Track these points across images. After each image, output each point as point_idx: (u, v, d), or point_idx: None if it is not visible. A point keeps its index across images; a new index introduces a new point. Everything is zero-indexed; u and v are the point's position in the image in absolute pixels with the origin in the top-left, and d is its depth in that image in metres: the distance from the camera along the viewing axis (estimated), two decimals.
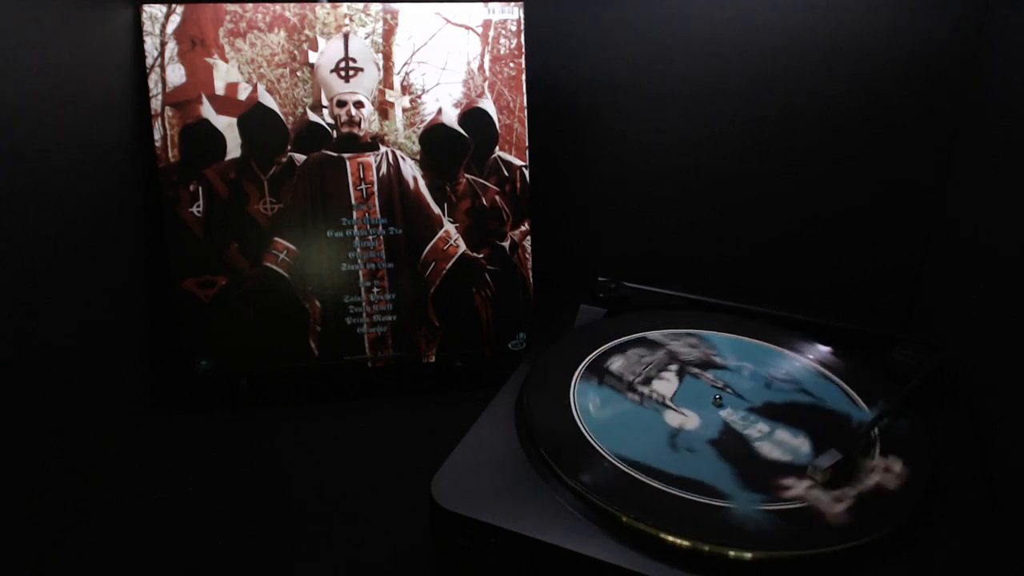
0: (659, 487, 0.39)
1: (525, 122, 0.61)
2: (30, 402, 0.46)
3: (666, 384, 0.49)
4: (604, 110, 0.69)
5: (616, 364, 0.51)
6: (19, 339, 0.45)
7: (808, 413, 0.46)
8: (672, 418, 0.46)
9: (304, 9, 0.57)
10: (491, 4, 0.59)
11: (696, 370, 0.51)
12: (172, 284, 0.57)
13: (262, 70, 0.57)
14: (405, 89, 0.59)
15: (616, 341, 0.54)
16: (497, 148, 0.61)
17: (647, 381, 0.49)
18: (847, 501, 0.39)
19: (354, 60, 0.58)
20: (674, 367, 0.51)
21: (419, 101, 0.59)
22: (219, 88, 0.56)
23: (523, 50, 0.60)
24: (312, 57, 0.58)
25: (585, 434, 0.44)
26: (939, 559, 0.36)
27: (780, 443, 0.43)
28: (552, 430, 0.44)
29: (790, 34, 0.62)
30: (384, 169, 0.59)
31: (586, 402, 0.47)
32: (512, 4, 0.60)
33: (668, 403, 0.47)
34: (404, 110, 0.59)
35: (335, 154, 0.59)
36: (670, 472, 0.40)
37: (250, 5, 0.56)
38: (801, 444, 0.43)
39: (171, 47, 0.55)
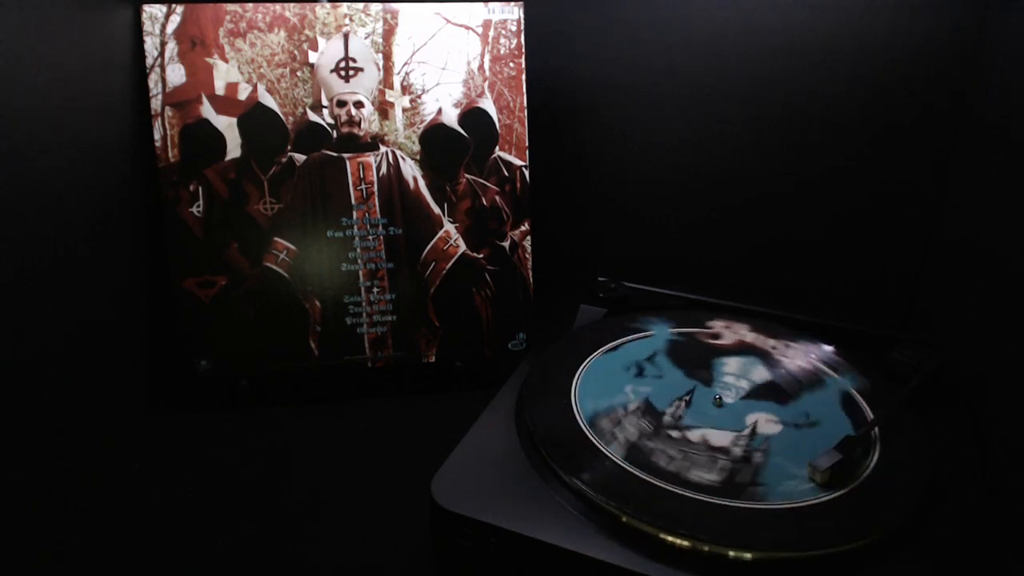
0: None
1: (525, 122, 0.61)
2: (30, 402, 0.46)
3: (679, 410, 0.47)
4: (604, 110, 0.69)
5: (628, 432, 0.45)
6: (19, 339, 0.45)
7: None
8: (708, 438, 0.44)
9: (304, 9, 0.57)
10: (491, 4, 0.59)
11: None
12: (172, 284, 0.57)
13: (262, 70, 0.57)
14: (405, 89, 0.59)
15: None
16: (497, 148, 0.61)
17: (675, 424, 0.46)
18: (847, 501, 0.39)
19: (354, 60, 0.58)
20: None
21: (419, 101, 0.59)
22: (219, 88, 0.56)
23: (523, 50, 0.60)
24: (312, 57, 0.58)
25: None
26: (939, 559, 0.36)
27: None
28: (552, 430, 0.44)
29: (790, 34, 0.62)
30: (384, 169, 0.59)
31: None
32: (512, 4, 0.60)
33: (707, 443, 0.44)
34: (404, 110, 0.59)
35: (335, 154, 0.59)
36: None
37: (250, 5, 0.56)
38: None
39: (171, 47, 0.55)
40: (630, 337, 0.55)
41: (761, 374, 0.50)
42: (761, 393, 0.48)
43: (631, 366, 0.51)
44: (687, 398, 0.48)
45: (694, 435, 0.44)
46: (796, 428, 0.45)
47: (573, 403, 0.47)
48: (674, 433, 0.44)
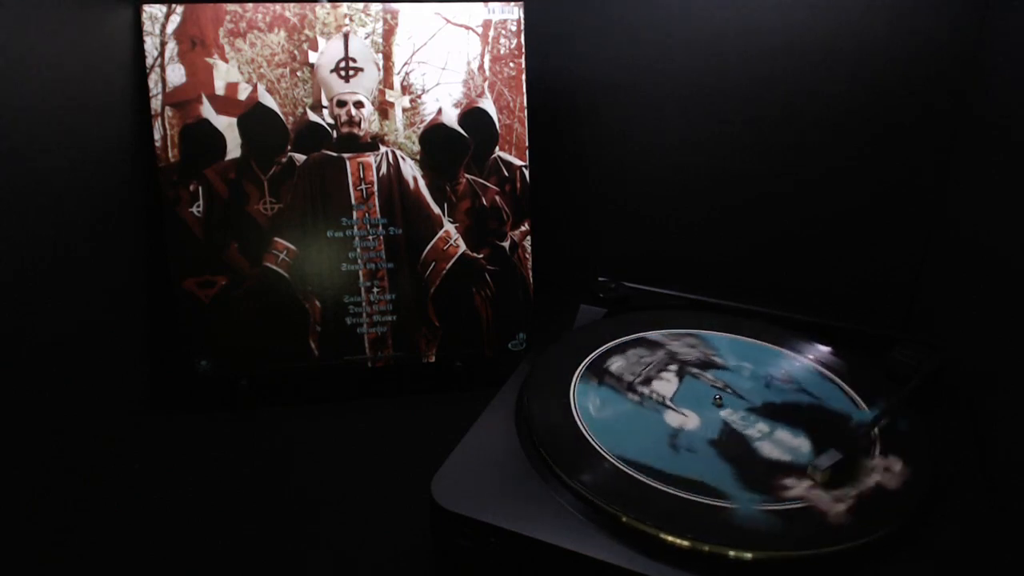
0: (659, 487, 0.39)
1: (525, 122, 0.61)
2: (30, 402, 0.46)
3: (666, 384, 0.49)
4: (604, 110, 0.69)
5: (616, 365, 0.51)
6: (19, 339, 0.45)
7: (808, 413, 0.46)
8: (672, 418, 0.46)
9: (304, 9, 0.57)
10: (491, 4, 0.59)
11: (696, 370, 0.51)
12: (172, 284, 0.57)
13: (262, 70, 0.57)
14: (405, 89, 0.59)
15: (616, 341, 0.54)
16: (497, 148, 0.61)
17: (647, 381, 0.49)
18: (847, 501, 0.39)
19: (354, 60, 0.58)
20: (674, 367, 0.51)
21: (419, 101, 0.59)
22: (219, 88, 0.56)
23: (523, 50, 0.60)
24: (312, 57, 0.58)
25: (585, 434, 0.44)
26: (939, 559, 0.36)
27: (780, 443, 0.43)
28: (552, 430, 0.44)
29: (790, 34, 0.62)
30: (384, 169, 0.59)
31: (586, 402, 0.47)
32: (512, 4, 0.60)
33: (668, 403, 0.47)
34: (404, 110, 0.59)
35: (335, 154, 0.59)
36: (670, 472, 0.40)
37: (250, 5, 0.56)
38: (801, 444, 0.43)
39: (171, 47, 0.55)
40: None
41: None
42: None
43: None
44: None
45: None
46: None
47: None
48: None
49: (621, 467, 0.41)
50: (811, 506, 0.38)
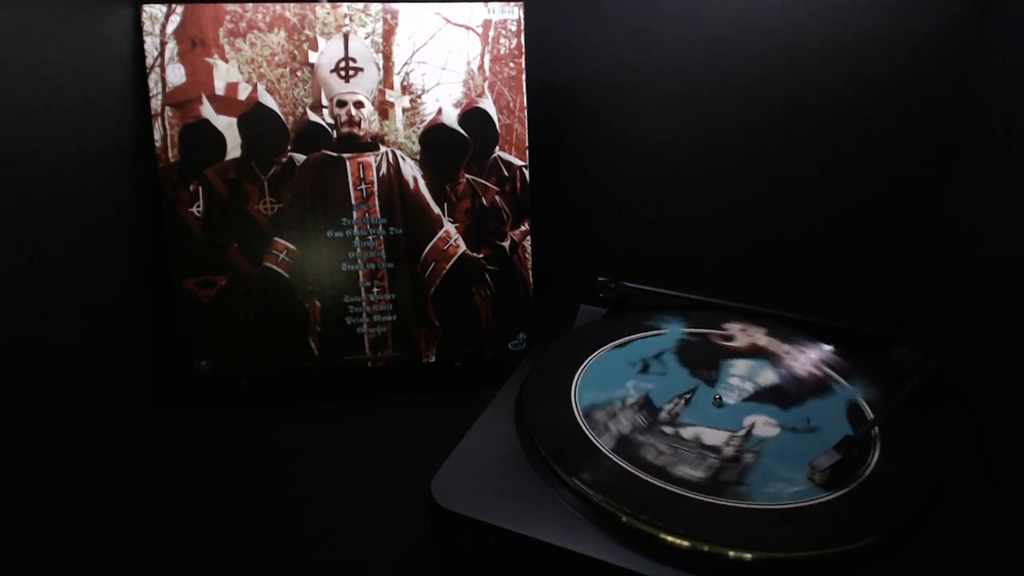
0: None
1: (525, 122, 0.61)
2: (30, 402, 0.46)
3: (676, 407, 0.47)
4: (604, 110, 0.69)
5: (622, 425, 0.45)
6: (19, 339, 0.45)
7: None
8: (709, 437, 0.44)
9: (304, 9, 0.57)
10: (491, 4, 0.59)
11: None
12: (172, 284, 0.57)
13: (262, 70, 0.57)
14: (405, 89, 0.59)
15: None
16: (497, 148, 0.61)
17: (671, 421, 0.46)
18: (847, 501, 0.39)
19: (354, 60, 0.58)
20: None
21: (419, 101, 0.59)
22: (219, 88, 0.56)
23: (523, 50, 0.60)
24: (312, 57, 0.58)
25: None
26: (939, 559, 0.36)
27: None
28: (552, 430, 0.44)
29: (790, 34, 0.62)
30: (384, 169, 0.59)
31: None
32: (512, 4, 0.60)
33: (700, 445, 0.44)
34: (404, 110, 0.59)
35: (335, 154, 0.59)
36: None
37: (250, 5, 0.56)
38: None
39: (171, 47, 0.55)
40: (636, 336, 0.55)
41: (767, 377, 0.50)
42: (764, 396, 0.48)
43: (637, 362, 0.51)
44: (687, 396, 0.48)
45: (687, 432, 0.44)
46: (794, 432, 0.45)
47: (573, 403, 0.47)
48: (667, 429, 0.44)
49: (621, 467, 0.41)
50: (810, 506, 0.38)
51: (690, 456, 0.42)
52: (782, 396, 0.48)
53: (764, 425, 0.45)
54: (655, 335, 0.55)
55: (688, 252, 0.71)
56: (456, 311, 0.61)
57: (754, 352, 0.53)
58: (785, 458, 0.42)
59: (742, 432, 0.44)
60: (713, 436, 0.44)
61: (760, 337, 0.55)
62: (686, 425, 0.45)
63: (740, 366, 0.51)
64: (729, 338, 0.55)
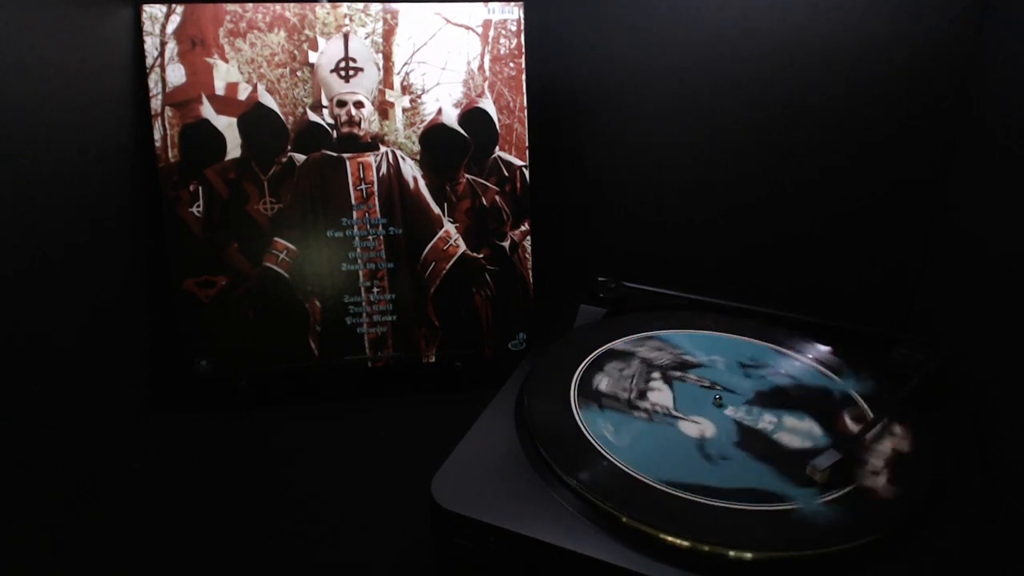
0: (659, 487, 0.39)
1: (525, 122, 0.61)
2: (30, 402, 0.46)
3: (660, 394, 0.48)
4: (604, 110, 0.69)
5: (604, 383, 0.49)
6: (19, 339, 0.45)
7: (795, 392, 0.47)
8: (688, 428, 0.45)
9: (304, 9, 0.57)
10: (491, 4, 0.59)
11: (678, 373, 0.50)
12: (172, 284, 0.57)
13: (262, 70, 0.57)
14: (405, 89, 0.59)
15: (616, 341, 0.54)
16: (497, 148, 0.61)
17: (642, 395, 0.48)
18: (847, 500, 0.39)
19: (354, 60, 0.58)
20: (657, 375, 0.50)
21: (419, 101, 0.59)
22: (219, 88, 0.56)
23: (523, 50, 0.60)
24: (312, 57, 0.58)
25: (585, 434, 0.44)
26: (939, 559, 0.36)
27: (795, 431, 0.44)
28: (552, 430, 0.44)
29: (790, 34, 0.62)
30: (384, 169, 0.59)
31: (587, 404, 0.47)
32: (512, 4, 0.60)
33: (675, 414, 0.46)
34: (404, 110, 0.59)
35: (335, 154, 0.59)
36: (723, 487, 0.39)
37: (250, 5, 0.56)
38: (811, 427, 0.44)
39: (171, 47, 0.55)
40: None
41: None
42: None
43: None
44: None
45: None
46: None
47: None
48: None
49: (621, 467, 0.41)
50: (810, 506, 0.38)
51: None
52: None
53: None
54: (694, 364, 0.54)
55: (688, 252, 0.71)
56: (456, 311, 0.61)
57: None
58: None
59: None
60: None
61: (708, 332, 0.55)
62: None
63: (707, 362, 0.51)
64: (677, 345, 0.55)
